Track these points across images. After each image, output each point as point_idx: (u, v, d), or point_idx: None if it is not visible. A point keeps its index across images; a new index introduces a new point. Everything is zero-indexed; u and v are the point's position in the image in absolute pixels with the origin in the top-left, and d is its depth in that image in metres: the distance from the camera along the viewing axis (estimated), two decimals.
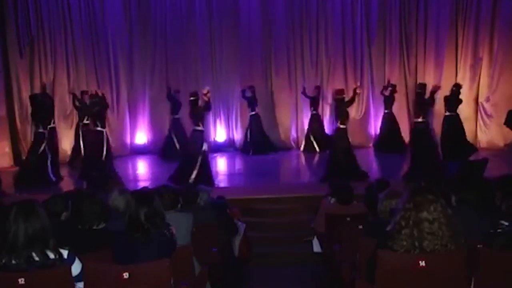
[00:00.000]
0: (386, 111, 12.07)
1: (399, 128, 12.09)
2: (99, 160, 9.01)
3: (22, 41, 11.92)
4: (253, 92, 12.13)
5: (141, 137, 13.14)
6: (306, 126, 12.97)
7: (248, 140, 12.27)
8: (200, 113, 9.14)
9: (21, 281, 2.95)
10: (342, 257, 4.57)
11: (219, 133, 13.17)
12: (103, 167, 8.97)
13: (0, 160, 11.44)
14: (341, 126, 9.04)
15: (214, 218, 5.18)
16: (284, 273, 6.42)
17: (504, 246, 3.22)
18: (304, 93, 12.30)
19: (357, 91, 9.33)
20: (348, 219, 5.17)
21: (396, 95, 12.04)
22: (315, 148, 12.05)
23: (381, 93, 12.18)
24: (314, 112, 12.26)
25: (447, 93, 10.64)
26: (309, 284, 6.20)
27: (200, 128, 9.06)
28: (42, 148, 9.42)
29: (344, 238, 4.65)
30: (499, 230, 3.31)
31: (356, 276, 3.76)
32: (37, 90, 12.03)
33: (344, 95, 9.21)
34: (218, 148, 12.80)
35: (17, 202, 3.16)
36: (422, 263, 2.88)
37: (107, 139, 9.19)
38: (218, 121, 13.10)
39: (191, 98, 9.25)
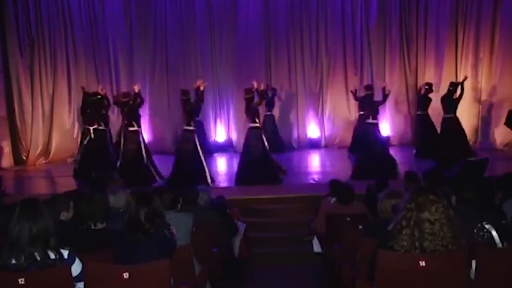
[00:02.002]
0: (268, 113, 12.06)
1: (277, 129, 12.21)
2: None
3: (22, 41, 11.92)
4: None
5: None
6: (307, 126, 12.95)
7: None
8: (376, 106, 9.65)
9: (21, 281, 2.95)
10: (342, 257, 4.57)
11: (219, 132, 13.11)
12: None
13: (0, 160, 11.42)
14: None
15: (214, 218, 5.18)
16: (284, 273, 6.41)
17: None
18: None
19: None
20: (348, 219, 5.17)
21: (396, 94, 11.99)
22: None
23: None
24: (420, 112, 11.36)
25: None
26: (309, 284, 6.19)
27: (374, 121, 9.48)
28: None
29: (344, 238, 4.64)
30: (483, 236, 3.23)
31: (356, 276, 3.76)
32: (37, 90, 12.06)
33: (252, 95, 9.11)
34: (218, 148, 12.77)
35: (21, 201, 3.16)
36: (422, 263, 2.88)
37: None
38: (218, 120, 13.07)
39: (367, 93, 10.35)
